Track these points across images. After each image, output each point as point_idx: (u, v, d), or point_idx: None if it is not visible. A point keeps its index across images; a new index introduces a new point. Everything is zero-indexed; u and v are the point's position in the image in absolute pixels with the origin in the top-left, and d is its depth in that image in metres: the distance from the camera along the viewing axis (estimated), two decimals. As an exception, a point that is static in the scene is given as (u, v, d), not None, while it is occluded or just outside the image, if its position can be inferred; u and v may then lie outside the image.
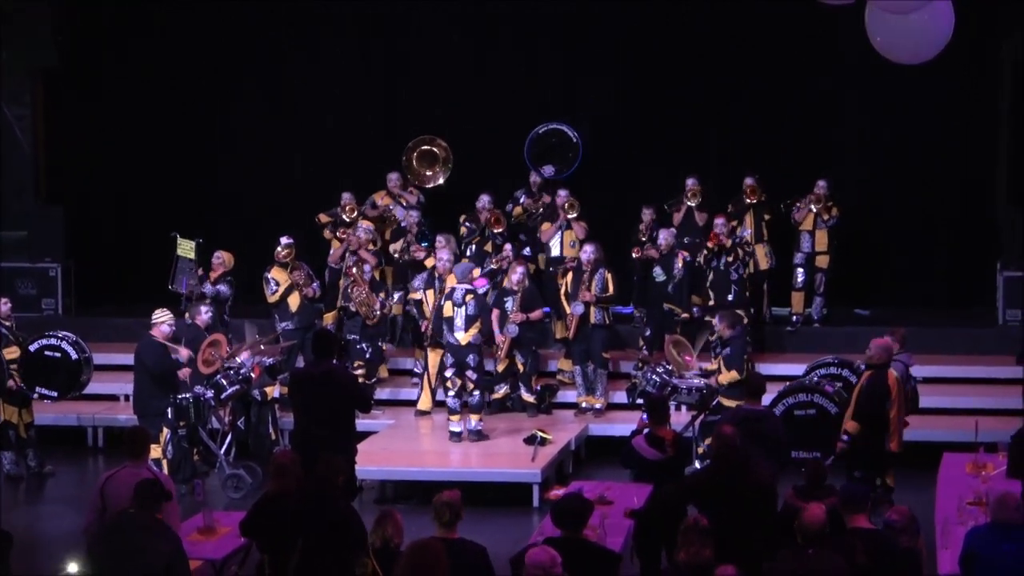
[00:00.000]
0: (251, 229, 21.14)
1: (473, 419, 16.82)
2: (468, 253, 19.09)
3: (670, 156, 20.91)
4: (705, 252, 18.57)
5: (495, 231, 19.24)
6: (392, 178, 20.14)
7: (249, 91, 22.00)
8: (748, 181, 19.53)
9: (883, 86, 20.08)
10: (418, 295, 18.05)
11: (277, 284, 18.10)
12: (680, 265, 18.65)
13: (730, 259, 18.38)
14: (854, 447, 14.16)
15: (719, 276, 18.43)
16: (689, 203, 19.59)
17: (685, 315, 18.64)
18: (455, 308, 16.69)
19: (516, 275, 17.68)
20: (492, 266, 18.38)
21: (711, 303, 18.39)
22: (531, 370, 18.07)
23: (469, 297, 16.71)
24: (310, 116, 21.86)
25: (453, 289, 16.89)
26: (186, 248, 18.28)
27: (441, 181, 20.56)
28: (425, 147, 20.56)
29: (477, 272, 17.59)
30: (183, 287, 18.07)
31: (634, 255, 19.04)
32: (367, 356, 18.06)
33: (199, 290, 18.02)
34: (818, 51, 20.43)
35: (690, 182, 19.62)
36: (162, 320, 15.95)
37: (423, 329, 17.90)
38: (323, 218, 19.67)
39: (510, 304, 17.65)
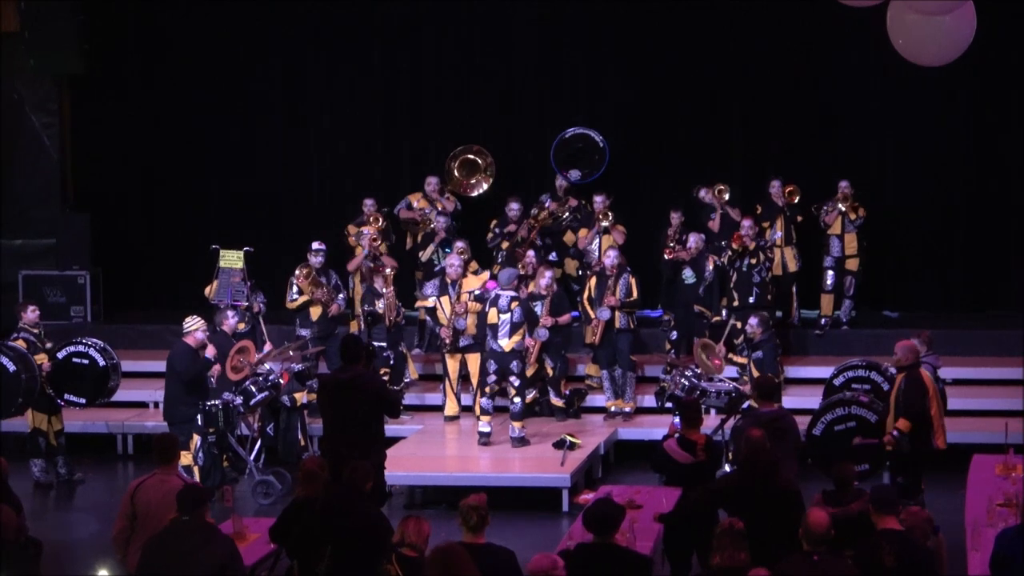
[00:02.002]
0: (280, 234, 21.24)
1: (516, 426, 16.74)
2: (499, 259, 19.11)
3: (691, 156, 20.88)
4: (729, 253, 18.58)
5: (535, 242, 19.19)
6: (431, 181, 20.00)
7: (272, 93, 21.90)
8: (776, 183, 19.51)
9: (906, 86, 20.02)
10: (430, 302, 17.96)
11: (298, 293, 18.07)
12: (711, 268, 18.65)
13: (753, 261, 18.39)
14: (898, 449, 14.11)
15: (742, 277, 18.46)
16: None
17: (716, 318, 18.63)
18: (500, 315, 16.64)
19: (544, 280, 17.66)
20: (520, 272, 18.36)
21: (735, 303, 18.42)
22: (560, 374, 18.05)
23: (515, 304, 16.67)
24: (332, 120, 21.78)
25: (498, 296, 16.77)
26: (232, 259, 18.20)
27: (485, 188, 20.52)
28: (467, 156, 20.54)
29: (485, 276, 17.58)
30: (228, 298, 17.97)
31: (666, 256, 18.98)
32: (392, 362, 18.07)
33: (249, 302, 17.98)
34: (844, 51, 20.39)
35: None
36: (195, 327, 15.85)
37: (442, 336, 17.88)
38: (352, 229, 19.48)
39: (539, 308, 17.62)
